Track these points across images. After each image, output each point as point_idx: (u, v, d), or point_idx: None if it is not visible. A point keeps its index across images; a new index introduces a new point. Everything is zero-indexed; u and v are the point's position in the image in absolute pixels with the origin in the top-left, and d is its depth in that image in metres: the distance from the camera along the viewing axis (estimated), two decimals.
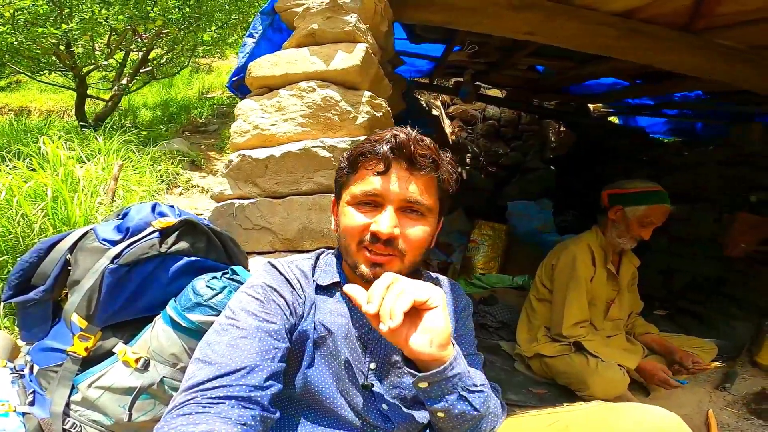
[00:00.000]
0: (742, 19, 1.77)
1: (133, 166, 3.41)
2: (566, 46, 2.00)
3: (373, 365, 0.85)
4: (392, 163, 0.80)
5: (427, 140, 0.84)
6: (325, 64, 1.37)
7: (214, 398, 0.64)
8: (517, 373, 2.14)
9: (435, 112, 4.74)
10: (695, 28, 1.87)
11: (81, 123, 4.17)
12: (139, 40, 4.03)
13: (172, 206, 1.18)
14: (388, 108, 1.48)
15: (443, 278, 1.05)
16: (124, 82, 4.36)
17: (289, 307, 0.81)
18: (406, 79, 3.86)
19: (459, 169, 0.90)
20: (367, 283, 0.77)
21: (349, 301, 0.84)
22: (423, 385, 0.72)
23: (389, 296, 0.66)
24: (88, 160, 3.37)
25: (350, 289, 0.70)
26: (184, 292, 1.04)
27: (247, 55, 1.53)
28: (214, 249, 1.14)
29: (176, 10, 3.38)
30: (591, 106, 4.64)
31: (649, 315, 2.73)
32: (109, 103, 4.44)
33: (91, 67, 4.15)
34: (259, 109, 1.41)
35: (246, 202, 1.39)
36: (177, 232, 1.09)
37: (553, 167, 4.66)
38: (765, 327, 2.27)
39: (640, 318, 2.23)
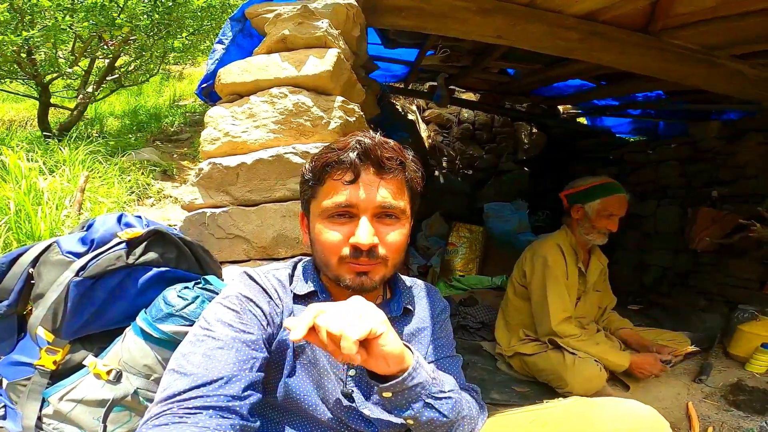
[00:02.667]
0: (694, 19, 1.87)
1: (100, 177, 3.31)
2: (532, 49, 2.05)
3: (351, 372, 0.86)
4: (360, 171, 0.79)
5: (391, 142, 0.84)
6: (297, 69, 1.37)
7: (191, 408, 0.63)
8: (500, 372, 2.17)
9: (411, 117, 4.78)
10: (653, 30, 1.96)
11: (44, 133, 4.02)
12: (106, 47, 3.92)
13: (140, 216, 1.16)
14: (361, 113, 1.49)
15: (419, 282, 1.06)
16: (89, 90, 4.23)
17: (266, 317, 0.80)
18: (381, 84, 3.89)
19: (421, 167, 0.90)
20: (353, 291, 0.78)
21: None
22: (387, 395, 0.73)
23: (333, 342, 0.62)
24: (52, 171, 3.25)
25: (288, 323, 0.65)
26: (155, 303, 1.03)
27: (217, 61, 1.51)
28: (185, 259, 1.13)
29: (144, 16, 3.30)
30: (561, 108, 4.77)
31: (624, 310, 2.80)
32: (74, 112, 4.29)
33: (55, 75, 4.01)
34: (230, 116, 1.39)
35: (218, 210, 1.37)
36: (145, 243, 1.07)
37: (526, 168, 4.76)
38: (735, 318, 2.34)
39: (615, 313, 2.28)
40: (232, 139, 1.37)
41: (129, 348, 1.00)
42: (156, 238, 1.08)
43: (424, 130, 5.02)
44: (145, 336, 1.00)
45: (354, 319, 0.64)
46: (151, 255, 1.07)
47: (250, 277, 0.85)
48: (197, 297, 1.02)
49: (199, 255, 1.16)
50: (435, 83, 3.63)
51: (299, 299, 0.87)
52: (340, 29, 1.50)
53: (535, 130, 4.81)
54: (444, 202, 4.40)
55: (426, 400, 0.75)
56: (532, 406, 0.95)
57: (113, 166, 3.44)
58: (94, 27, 3.10)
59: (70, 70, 3.87)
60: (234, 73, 1.41)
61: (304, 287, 0.88)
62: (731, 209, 2.83)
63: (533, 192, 4.52)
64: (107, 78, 4.36)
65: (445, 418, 0.77)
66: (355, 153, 0.79)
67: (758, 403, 1.91)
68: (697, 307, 2.88)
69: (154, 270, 1.06)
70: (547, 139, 4.75)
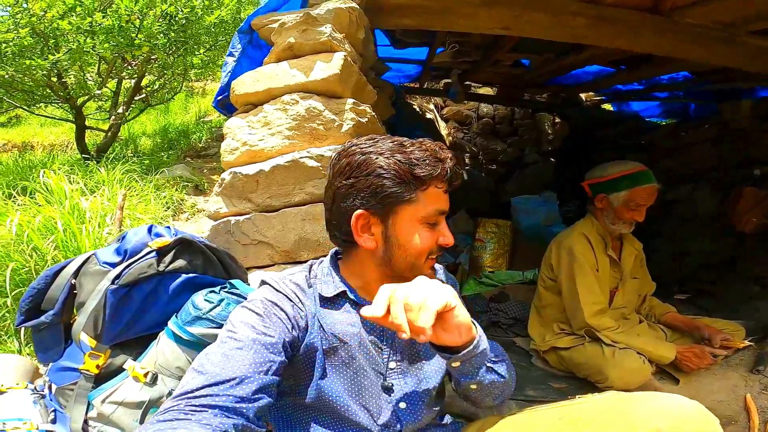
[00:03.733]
0: None
1: (137, 195, 3.49)
2: (542, 38, 2.01)
3: (392, 364, 0.89)
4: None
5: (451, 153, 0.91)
6: (305, 75, 1.41)
7: (197, 406, 0.65)
8: (535, 369, 2.11)
9: (429, 116, 4.79)
10: (663, 9, 1.88)
11: (83, 155, 4.25)
12: (130, 67, 4.11)
13: (169, 227, 1.23)
14: (373, 114, 1.52)
15: (438, 266, 1.09)
16: (120, 110, 4.44)
17: (290, 321, 0.83)
18: (395, 85, 3.92)
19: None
20: None
21: (359, 307, 0.86)
22: (456, 364, 0.80)
23: (412, 313, 0.66)
24: (93, 192, 3.45)
25: (367, 311, 0.69)
26: (185, 307, 1.09)
27: (230, 73, 1.58)
28: (211, 265, 1.19)
29: (161, 35, 3.44)
30: (583, 95, 4.66)
31: (668, 299, 2.60)
32: (109, 134, 4.51)
33: (86, 97, 4.23)
34: (246, 125, 1.46)
35: (241, 218, 1.43)
36: (174, 251, 1.14)
37: (552, 159, 4.67)
38: None
39: (655, 299, 2.14)
40: (250, 148, 1.43)
41: (163, 351, 1.06)
42: (183, 246, 1.15)
43: (443, 128, 5.01)
44: (177, 339, 1.06)
45: (431, 292, 0.69)
46: (180, 262, 1.13)
47: (269, 284, 0.88)
48: (222, 300, 1.07)
49: (225, 261, 1.22)
50: (449, 80, 3.62)
51: (326, 301, 0.89)
52: (344, 33, 1.54)
53: (557, 120, 4.71)
54: (469, 198, 4.37)
55: (488, 365, 0.85)
56: (563, 402, 0.91)
57: (148, 183, 3.62)
58: (115, 48, 3.25)
59: (98, 92, 4.07)
60: (246, 84, 1.47)
61: (329, 289, 0.89)
62: None
63: (560, 183, 4.42)
64: (135, 98, 4.57)
65: (503, 379, 0.89)
66: (449, 167, 0.85)
67: None
68: (749, 294, 2.69)
69: (183, 276, 1.13)
70: (570, 128, 4.63)
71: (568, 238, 1.95)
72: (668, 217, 3.44)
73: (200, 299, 1.07)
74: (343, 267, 0.94)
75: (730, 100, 3.17)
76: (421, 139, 0.87)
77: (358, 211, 0.84)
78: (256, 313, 0.81)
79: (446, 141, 4.80)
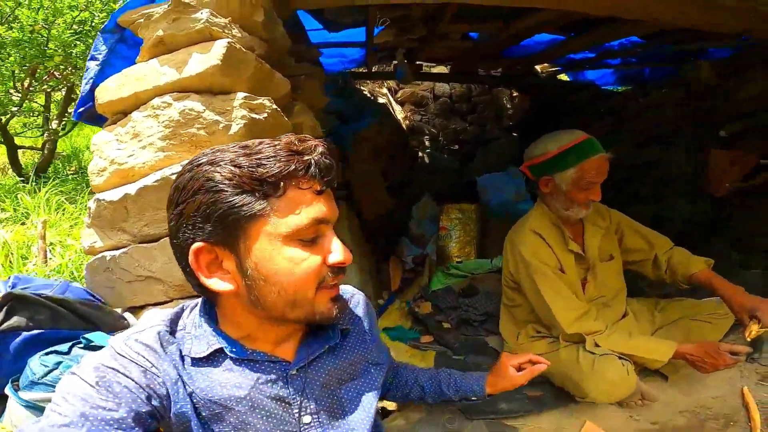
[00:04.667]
0: None
1: (70, 219, 3.20)
2: (481, 2, 1.81)
3: (307, 418, 0.73)
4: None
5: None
6: (178, 72, 1.16)
7: None
8: None
9: (382, 100, 4.54)
10: None
11: (20, 177, 3.93)
12: (55, 78, 3.77)
13: (10, 278, 1.01)
14: (276, 108, 1.27)
15: (357, 295, 0.90)
16: (53, 126, 4.10)
17: (143, 389, 0.64)
18: (342, 72, 3.66)
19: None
20: (319, 324, 0.72)
21: (251, 363, 0.70)
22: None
23: None
24: (27, 218, 3.15)
25: None
26: (24, 370, 0.96)
27: (91, 80, 1.32)
28: (61, 318, 0.98)
29: (79, 42, 3.12)
30: (538, 67, 4.50)
31: (642, 277, 2.50)
32: (45, 151, 4.18)
33: (8, 115, 3.89)
34: (115, 139, 1.20)
35: (117, 252, 1.18)
36: (5, 308, 0.92)
37: (514, 134, 4.49)
38: None
39: (679, 253, 1.70)
40: (119, 167, 1.18)
41: (12, 412, 0.95)
42: (16, 302, 0.93)
43: (399, 112, 4.78)
44: (20, 401, 0.94)
45: None
46: (16, 320, 0.98)
47: (114, 347, 0.67)
48: (60, 363, 0.92)
49: (81, 311, 1.00)
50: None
51: (201, 361, 0.69)
52: (231, 17, 1.29)
53: (515, 94, 4.52)
54: (433, 182, 4.17)
55: None
56: None
57: (84, 205, 3.32)
58: (25, 60, 2.94)
59: (18, 108, 3.73)
60: (110, 90, 1.21)
61: (203, 346, 0.70)
62: (748, 149, 2.51)
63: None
64: (67, 111, 4.22)
65: None
66: (320, 155, 0.65)
67: None
68: (731, 261, 2.45)
69: (24, 334, 1.02)
70: (531, 100, 4.46)
71: (518, 236, 1.69)
72: (644, 179, 3.29)
73: (36, 363, 0.95)
74: (220, 314, 0.73)
75: (688, 61, 3.03)
76: (280, 136, 0.67)
77: (195, 245, 0.63)
78: (89, 383, 0.61)
79: (403, 125, 4.57)
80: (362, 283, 2.43)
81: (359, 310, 0.87)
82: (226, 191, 0.61)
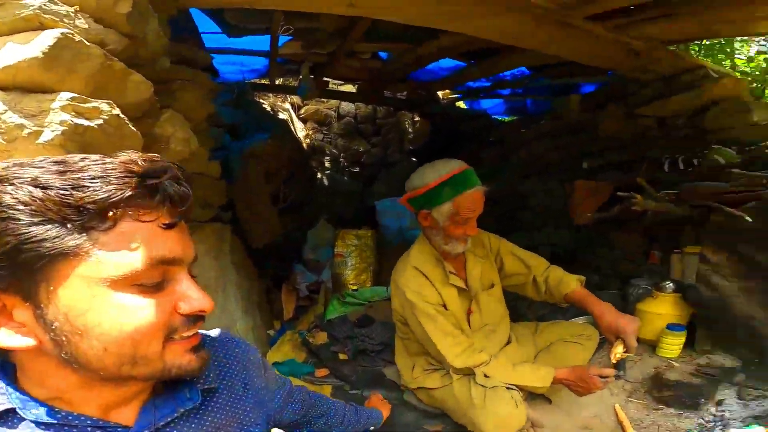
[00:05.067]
0: None
1: None
2: (389, 18, 1.79)
3: None
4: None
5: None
6: None
7: None
8: (408, 407, 1.85)
9: (282, 116, 4.31)
10: None
11: None
12: None
13: None
14: (119, 114, 1.02)
15: (238, 344, 0.76)
16: None
17: None
18: (240, 82, 3.39)
19: None
20: (173, 379, 0.58)
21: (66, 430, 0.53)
22: None
23: None
24: None
25: None
26: None
27: None
28: None
29: None
30: (441, 93, 4.69)
31: (521, 299, 2.51)
32: None
33: None
34: None
35: None
36: None
37: (414, 159, 4.59)
38: (631, 296, 2.16)
39: (555, 272, 1.76)
40: None
41: None
42: None
43: (300, 129, 4.59)
44: None
45: None
46: None
47: None
48: None
49: None
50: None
51: None
52: (78, 5, 1.04)
53: (417, 118, 4.65)
54: (333, 204, 4.04)
55: None
56: None
57: None
58: None
59: None
60: None
61: None
62: (606, 180, 2.82)
63: None
64: None
65: None
66: (172, 180, 0.53)
67: (688, 398, 1.74)
68: (592, 285, 2.72)
69: None
70: (432, 125, 4.62)
71: (401, 276, 1.64)
72: (525, 208, 3.53)
73: None
74: (20, 371, 0.54)
75: (561, 96, 3.33)
76: (119, 152, 0.53)
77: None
78: None
79: (303, 143, 4.39)
80: (247, 312, 2.17)
81: (236, 363, 0.72)
82: (20, 220, 0.46)
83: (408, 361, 1.83)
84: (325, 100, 4.52)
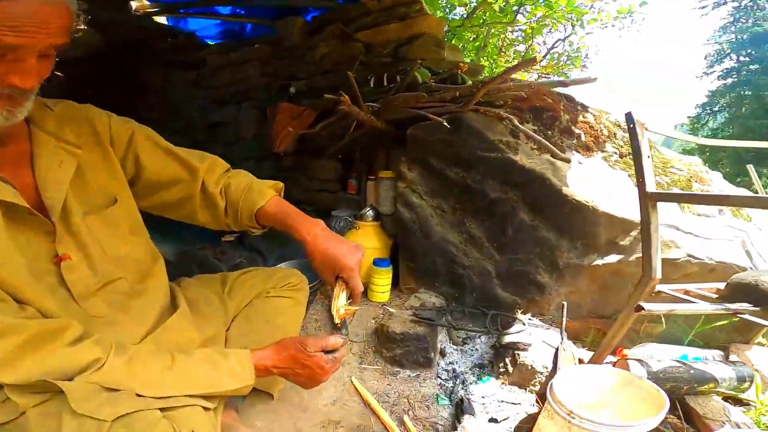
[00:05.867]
0: None
1: None
2: None
3: None
4: None
5: None
6: None
7: None
8: None
9: None
10: None
11: None
12: None
13: None
14: None
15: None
16: None
17: None
18: None
19: None
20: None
21: None
22: None
23: None
24: None
25: None
26: None
27: None
28: None
29: None
30: (134, 4, 3.51)
31: (219, 246, 2.12)
32: None
33: None
34: None
35: None
36: None
37: (58, 73, 3.18)
38: (334, 229, 1.72)
39: (235, 175, 1.06)
40: None
41: None
42: None
43: None
44: None
45: None
46: None
47: None
48: None
49: None
50: None
51: None
52: None
53: (82, 26, 3.24)
54: None
55: None
56: None
57: None
58: None
59: None
60: None
61: None
62: (311, 106, 2.41)
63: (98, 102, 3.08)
64: None
65: None
66: None
67: (418, 353, 1.43)
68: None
69: None
70: (107, 38, 3.34)
71: None
72: (215, 141, 2.97)
73: None
74: None
75: (285, 18, 2.86)
76: None
77: None
78: None
79: None
80: None
81: None
82: None
83: None
84: None
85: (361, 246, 0.97)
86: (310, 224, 0.94)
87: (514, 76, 1.88)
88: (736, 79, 12.94)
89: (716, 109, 13.69)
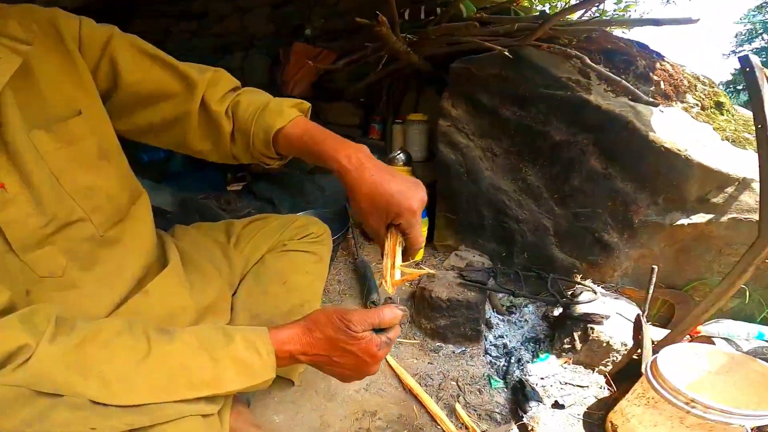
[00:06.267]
0: None
1: None
2: None
3: None
4: None
5: None
6: None
7: None
8: None
9: None
10: None
11: None
12: None
13: None
14: None
15: None
16: None
17: None
18: None
19: None
20: None
21: None
22: None
23: None
24: None
25: None
26: None
27: None
28: None
29: None
30: None
31: (225, 194, 1.93)
32: None
33: None
34: None
35: None
36: None
37: None
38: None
39: (245, 93, 0.77)
40: None
41: None
42: None
43: None
44: None
45: None
46: None
47: None
48: None
49: None
50: None
51: None
52: None
53: None
54: None
55: None
56: None
57: None
58: None
59: None
60: None
61: None
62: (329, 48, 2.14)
63: None
64: None
65: None
66: None
67: (466, 325, 1.17)
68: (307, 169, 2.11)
69: None
70: None
71: None
72: None
73: None
74: None
75: None
76: None
77: None
78: None
79: None
80: None
81: None
82: None
83: None
84: None
85: (421, 183, 0.67)
86: (350, 149, 0.64)
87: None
88: (765, 59, 12.61)
89: (740, 87, 13.36)
